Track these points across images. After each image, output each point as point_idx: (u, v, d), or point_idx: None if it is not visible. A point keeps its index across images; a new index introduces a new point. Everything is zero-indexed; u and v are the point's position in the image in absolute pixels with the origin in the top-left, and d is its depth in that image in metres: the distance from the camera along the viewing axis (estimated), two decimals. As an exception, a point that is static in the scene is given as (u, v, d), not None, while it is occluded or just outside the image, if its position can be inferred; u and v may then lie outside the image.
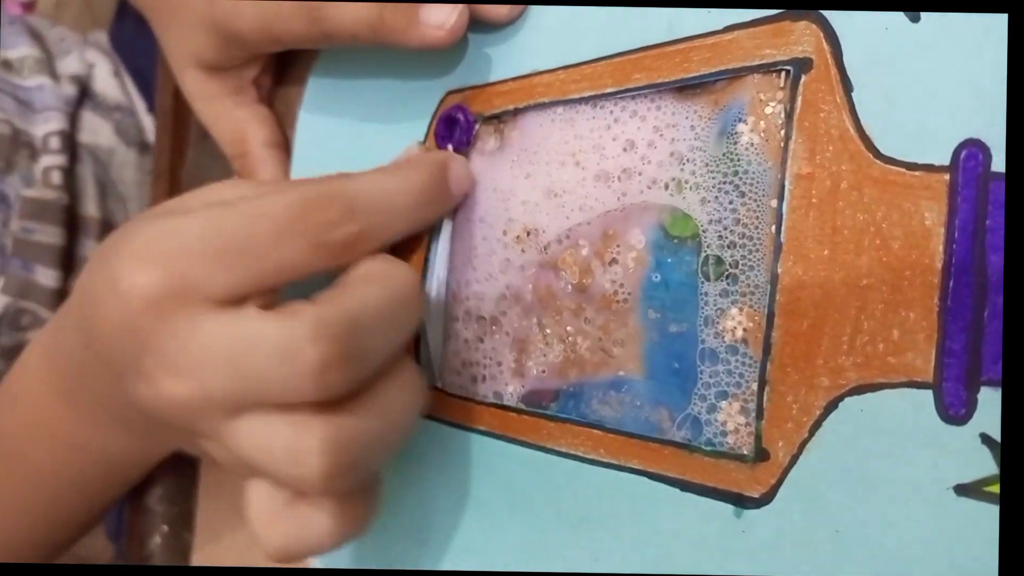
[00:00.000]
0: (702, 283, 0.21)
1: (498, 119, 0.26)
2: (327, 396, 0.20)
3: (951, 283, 0.17)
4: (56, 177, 0.47)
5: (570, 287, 0.24)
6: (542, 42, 0.25)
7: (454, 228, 0.27)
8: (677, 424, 0.21)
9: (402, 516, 0.27)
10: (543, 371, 0.24)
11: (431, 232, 0.27)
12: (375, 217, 0.23)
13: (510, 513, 0.24)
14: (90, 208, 0.50)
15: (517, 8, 0.26)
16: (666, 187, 0.22)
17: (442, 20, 0.25)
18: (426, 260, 0.27)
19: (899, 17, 0.18)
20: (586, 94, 0.24)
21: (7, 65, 0.50)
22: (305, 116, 0.32)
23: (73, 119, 0.50)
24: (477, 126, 0.26)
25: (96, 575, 0.41)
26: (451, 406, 0.26)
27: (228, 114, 0.33)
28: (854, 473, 0.18)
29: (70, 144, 0.49)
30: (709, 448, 0.20)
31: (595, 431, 0.22)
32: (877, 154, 0.18)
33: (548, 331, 0.24)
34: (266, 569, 0.36)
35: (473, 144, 0.27)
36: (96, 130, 0.51)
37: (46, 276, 0.48)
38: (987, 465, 0.16)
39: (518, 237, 0.25)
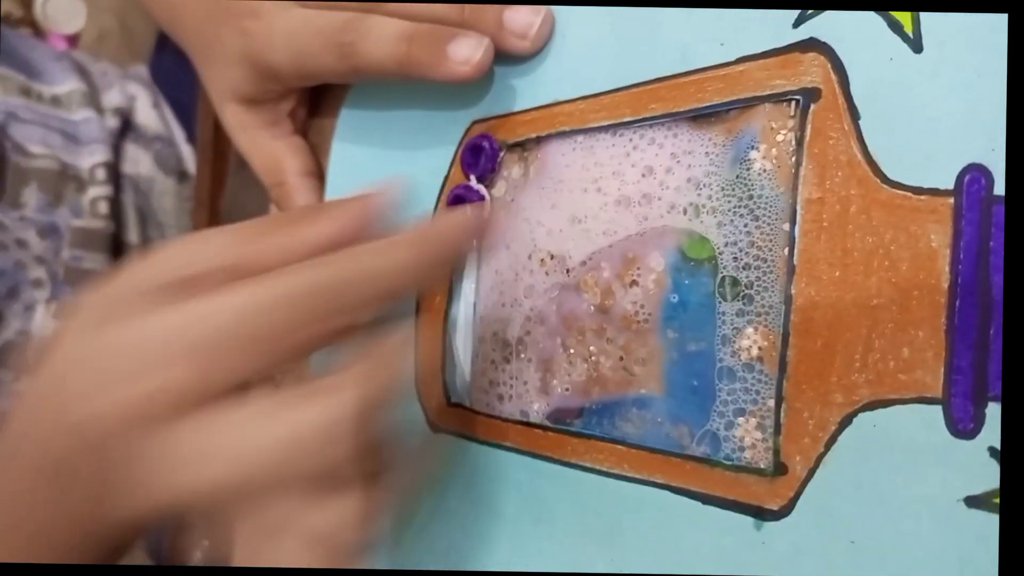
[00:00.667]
0: (719, 303, 0.21)
1: (522, 147, 0.27)
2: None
3: (957, 303, 0.18)
4: (103, 207, 0.49)
5: (592, 309, 0.25)
6: (563, 73, 0.26)
7: (481, 254, 0.28)
8: (696, 440, 0.22)
9: (430, 532, 0.28)
10: (567, 390, 0.25)
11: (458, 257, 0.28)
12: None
13: (536, 527, 0.25)
14: (132, 236, 0.52)
15: (539, 41, 0.27)
16: (684, 211, 0.23)
17: (468, 56, 0.26)
18: (451, 283, 0.29)
19: (903, 47, 0.19)
20: (605, 123, 0.25)
21: (56, 101, 0.52)
22: (338, 146, 0.33)
23: (117, 150, 0.52)
24: (502, 154, 0.28)
25: (96, 575, 0.42)
26: (478, 424, 0.27)
27: (265, 145, 0.34)
28: (868, 486, 0.18)
29: (115, 175, 0.51)
30: (728, 463, 0.21)
31: (619, 447, 0.23)
32: (884, 179, 0.19)
33: (572, 351, 0.25)
34: (266, 569, 0.37)
35: (498, 171, 0.28)
36: (137, 160, 0.54)
37: None
38: (996, 478, 0.17)
39: (542, 261, 0.26)
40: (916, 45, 0.19)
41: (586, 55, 0.26)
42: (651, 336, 0.23)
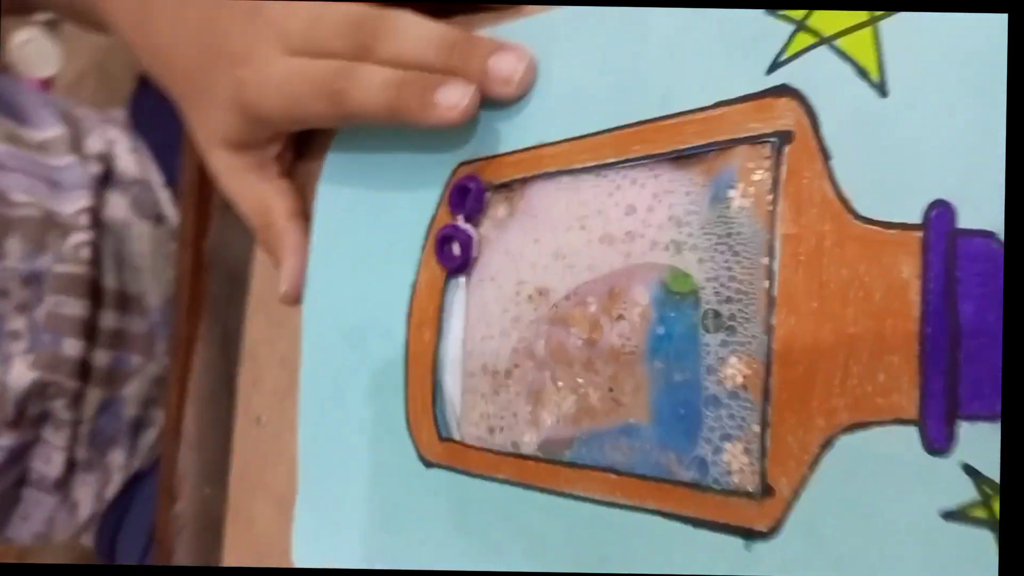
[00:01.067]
0: (703, 335, 0.22)
1: (508, 188, 0.28)
2: None
3: (928, 330, 0.19)
4: (85, 252, 0.50)
5: (580, 342, 0.26)
6: (547, 116, 0.27)
7: (468, 289, 0.29)
8: (685, 466, 0.23)
9: (423, 565, 0.28)
10: (557, 421, 0.26)
11: (444, 293, 0.29)
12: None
13: (528, 558, 0.26)
14: (110, 280, 0.52)
15: (523, 87, 0.28)
16: (666, 248, 0.24)
17: (455, 102, 0.27)
18: (440, 320, 0.29)
19: (869, 92, 0.20)
20: (589, 164, 0.26)
21: (42, 147, 0.53)
22: (325, 188, 0.34)
23: (98, 196, 0.53)
24: (488, 195, 0.29)
25: (96, 575, 0.42)
26: (470, 457, 0.28)
27: (253, 188, 0.35)
28: (851, 504, 0.19)
29: (96, 220, 0.51)
30: (716, 487, 0.22)
31: (609, 475, 0.24)
32: (856, 215, 0.20)
33: (560, 383, 0.26)
34: (265, 569, 0.37)
35: (484, 212, 0.29)
36: (115, 204, 0.54)
37: (72, 347, 0.49)
38: (970, 492, 0.18)
39: (530, 296, 0.27)
40: (881, 90, 0.20)
41: (569, 99, 0.27)
42: (638, 367, 0.24)
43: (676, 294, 0.23)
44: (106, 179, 0.54)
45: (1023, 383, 0.18)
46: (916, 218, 0.19)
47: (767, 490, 0.21)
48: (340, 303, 0.33)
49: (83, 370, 0.51)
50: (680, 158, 0.24)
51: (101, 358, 0.52)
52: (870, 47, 0.20)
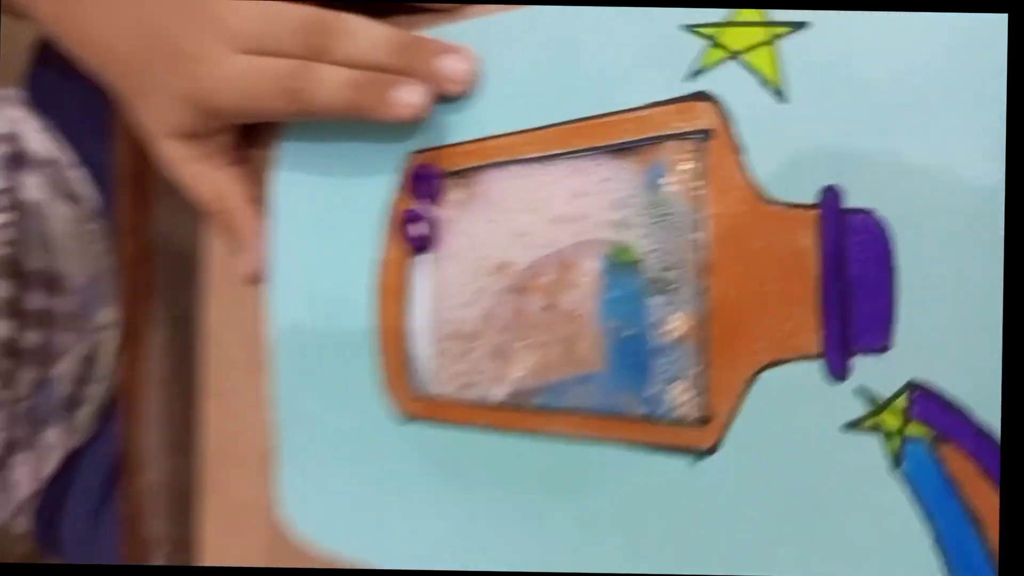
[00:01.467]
0: (647, 297, 0.27)
1: (462, 175, 0.32)
2: None
3: (825, 285, 0.25)
4: (5, 234, 0.49)
5: (539, 307, 0.30)
6: (493, 111, 0.31)
7: (433, 265, 0.33)
8: (638, 404, 0.28)
9: (410, 508, 0.33)
10: (522, 375, 0.31)
11: (407, 269, 0.33)
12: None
13: (507, 494, 0.30)
14: (33, 261, 0.52)
15: (469, 85, 0.31)
16: (610, 226, 0.28)
17: (410, 100, 0.31)
18: (405, 293, 0.33)
19: (771, 99, 0.25)
20: (538, 154, 0.30)
21: None
22: (280, 175, 0.37)
23: (11, 177, 0.52)
24: (445, 180, 0.32)
25: (95, 575, 0.44)
26: (445, 409, 0.32)
27: (207, 176, 0.37)
28: (773, 424, 0.25)
29: (14, 201, 0.51)
30: (666, 418, 0.27)
31: (574, 415, 0.29)
32: (765, 198, 0.25)
33: (523, 343, 0.31)
34: (266, 569, 0.41)
35: (443, 196, 0.33)
36: (31, 186, 0.53)
37: (2, 327, 0.50)
38: (861, 409, 0.24)
39: (491, 270, 0.31)
40: (782, 96, 0.25)
41: (512, 96, 0.31)
42: (592, 326, 0.29)
43: (621, 264, 0.28)
44: (16, 160, 0.53)
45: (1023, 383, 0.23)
46: (811, 199, 0.25)
47: (707, 418, 0.26)
48: (306, 283, 0.36)
49: (14, 350, 0.51)
50: (618, 150, 0.28)
51: (31, 338, 0.53)
52: (771, 61, 0.25)
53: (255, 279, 0.37)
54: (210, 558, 0.41)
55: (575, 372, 0.29)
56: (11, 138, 0.53)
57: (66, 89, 0.55)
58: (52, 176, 0.54)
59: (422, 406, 0.33)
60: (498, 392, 0.31)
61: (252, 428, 0.39)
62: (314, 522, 0.36)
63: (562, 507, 0.29)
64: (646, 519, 0.27)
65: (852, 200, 0.24)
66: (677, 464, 0.27)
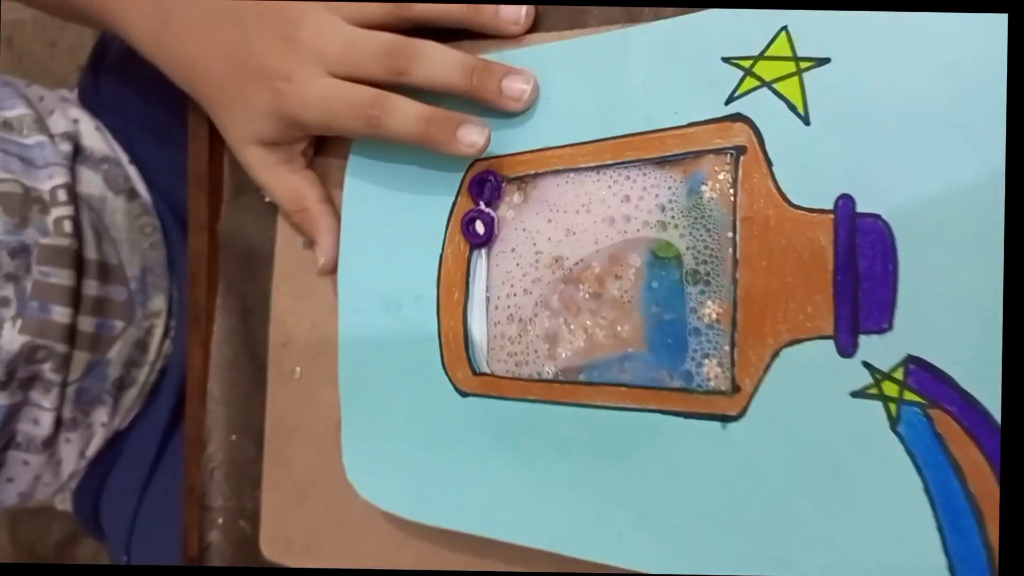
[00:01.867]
0: (686, 286, 0.32)
1: (520, 180, 0.37)
2: None
3: (838, 277, 0.29)
4: (67, 226, 0.53)
5: (588, 296, 0.35)
6: (549, 126, 0.36)
7: (491, 259, 0.38)
8: (675, 378, 0.33)
9: (471, 471, 0.37)
10: (570, 354, 0.35)
11: (469, 263, 0.38)
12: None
13: (559, 457, 0.35)
14: (91, 252, 0.56)
15: (530, 103, 0.36)
16: (654, 227, 0.33)
17: (474, 140, 0.36)
18: (467, 283, 0.38)
19: (797, 121, 0.30)
20: (591, 164, 0.35)
21: (7, 125, 0.55)
22: (351, 179, 0.41)
23: (73, 172, 0.56)
24: (504, 184, 0.37)
25: (95, 575, 0.47)
26: (503, 385, 0.37)
27: (286, 179, 0.42)
28: (792, 392, 0.30)
29: (73, 195, 0.55)
30: (700, 389, 0.32)
31: (620, 388, 0.34)
32: (790, 203, 0.30)
33: (572, 326, 0.35)
34: (267, 569, 0.45)
35: (502, 199, 0.37)
36: (89, 181, 0.57)
37: (60, 314, 0.54)
38: (867, 379, 0.29)
39: (547, 263, 0.36)
40: (806, 120, 0.30)
41: (566, 114, 0.36)
42: (635, 312, 0.34)
43: (663, 259, 0.33)
44: (76, 156, 0.57)
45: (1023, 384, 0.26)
46: (829, 205, 0.30)
47: (736, 388, 0.31)
48: (374, 275, 0.40)
49: (71, 335, 0.55)
50: (663, 162, 0.33)
51: (86, 324, 0.56)
52: (798, 90, 0.30)
53: (328, 270, 0.42)
54: (273, 525, 0.45)
55: (618, 352, 0.34)
56: (71, 136, 0.57)
57: (120, 92, 0.60)
58: (109, 172, 0.58)
59: (481, 383, 0.37)
60: (548, 369, 0.36)
61: (317, 407, 0.44)
62: (377, 488, 0.40)
63: (609, 470, 0.34)
64: (684, 477, 0.32)
65: (862, 206, 0.29)
66: (709, 428, 0.32)
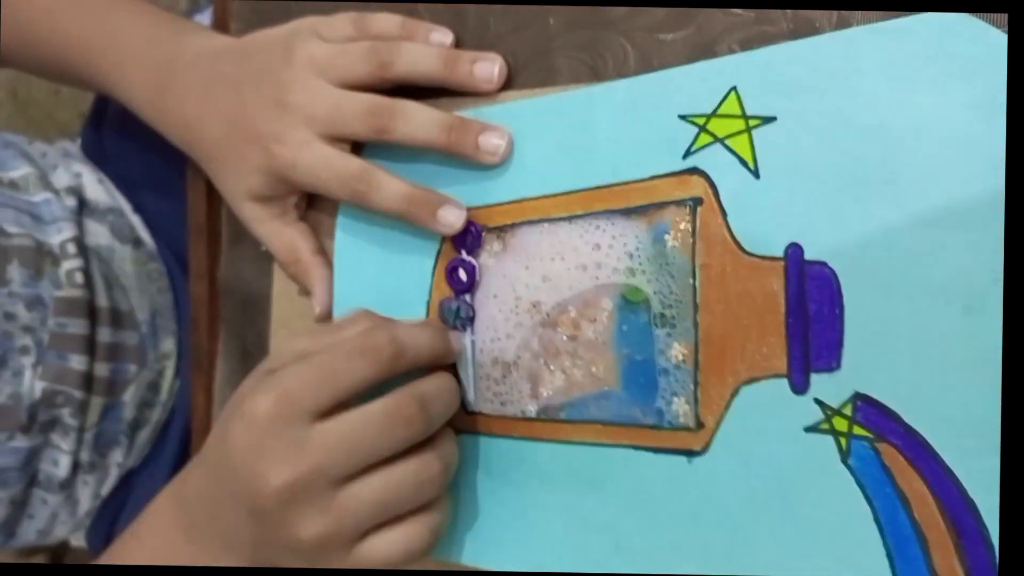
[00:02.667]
0: (654, 329, 0.35)
1: (499, 229, 0.39)
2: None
3: (790, 320, 0.32)
4: (79, 277, 0.55)
5: (565, 338, 0.37)
6: (524, 178, 0.38)
7: (474, 305, 0.40)
8: (647, 415, 0.35)
9: (459, 497, 0.39)
10: (551, 393, 0.38)
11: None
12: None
13: (541, 489, 0.37)
14: (102, 300, 0.58)
15: (504, 158, 0.39)
16: (623, 273, 0.36)
17: (452, 221, 0.38)
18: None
19: (748, 174, 0.33)
20: (563, 215, 0.37)
21: (14, 185, 0.58)
22: (341, 233, 0.44)
23: (80, 226, 0.58)
24: (484, 234, 0.40)
25: (95, 575, 0.49)
26: (487, 423, 0.39)
27: (279, 232, 0.44)
28: (751, 428, 0.32)
29: (82, 248, 0.57)
30: (668, 426, 0.34)
31: (595, 425, 0.36)
32: (744, 251, 0.33)
33: (552, 367, 0.38)
34: (267, 569, 0.47)
35: (482, 247, 0.40)
36: (96, 232, 0.59)
37: (78, 362, 0.56)
38: (819, 415, 0.31)
39: (526, 308, 0.38)
40: (756, 174, 0.33)
41: (539, 167, 0.38)
42: (609, 352, 0.36)
43: (632, 303, 0.35)
44: (81, 210, 0.59)
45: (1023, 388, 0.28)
46: (780, 253, 0.32)
47: (700, 424, 0.33)
48: (367, 318, 0.43)
49: (87, 381, 0.57)
50: (629, 212, 0.36)
51: (101, 370, 0.58)
52: (747, 146, 0.33)
53: (323, 318, 0.44)
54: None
55: (595, 390, 0.36)
56: (75, 190, 0.59)
57: (122, 144, 0.62)
58: (114, 223, 0.60)
59: (470, 420, 0.40)
60: (530, 408, 0.38)
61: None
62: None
63: (585, 501, 0.36)
64: (653, 507, 0.34)
65: (810, 253, 0.31)
66: (676, 461, 0.34)
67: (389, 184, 0.39)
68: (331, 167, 0.40)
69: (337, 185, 0.40)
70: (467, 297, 0.40)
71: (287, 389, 0.33)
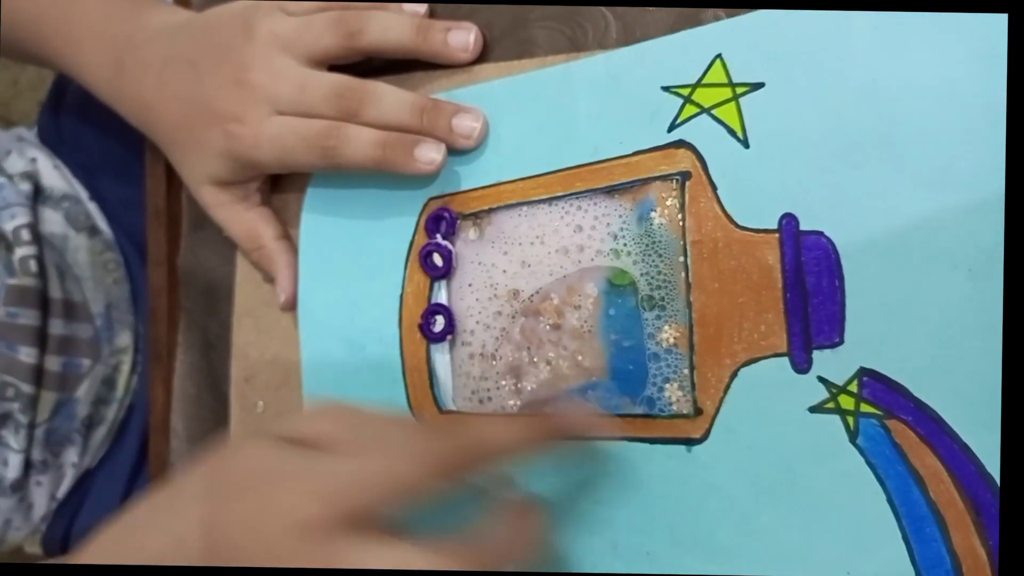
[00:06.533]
0: (642, 312, 0.33)
1: (475, 216, 0.37)
2: None
3: (788, 295, 0.30)
4: (32, 265, 0.53)
5: (548, 327, 0.35)
6: (501, 162, 0.37)
7: (450, 295, 0.38)
8: (637, 404, 0.33)
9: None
10: (535, 387, 0.36)
11: (429, 300, 0.38)
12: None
13: (529, 490, 0.35)
14: (55, 291, 0.55)
15: (479, 140, 0.37)
16: (607, 255, 0.34)
17: (432, 158, 0.36)
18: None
19: (737, 145, 0.31)
20: (543, 196, 0.35)
21: None
22: (308, 215, 0.41)
23: (34, 212, 0.55)
24: (459, 222, 0.38)
25: (94, 575, 0.46)
26: (468, 422, 0.37)
27: (240, 217, 0.42)
28: (751, 411, 0.30)
29: (36, 235, 0.54)
30: (663, 414, 0.32)
31: (584, 418, 0.34)
32: (736, 225, 0.31)
33: (536, 359, 0.36)
34: (267, 569, 0.44)
35: (457, 235, 0.38)
36: (50, 220, 0.57)
37: (27, 354, 0.53)
38: (823, 393, 0.29)
39: (505, 297, 0.36)
40: (745, 143, 0.31)
41: (517, 148, 0.36)
42: (595, 341, 0.34)
43: (618, 286, 0.33)
44: (36, 196, 0.57)
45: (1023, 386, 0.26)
46: (774, 225, 0.30)
47: (698, 411, 0.31)
48: (335, 314, 0.40)
49: (37, 375, 0.54)
50: (612, 191, 0.34)
51: (52, 363, 0.55)
52: (735, 115, 0.31)
53: (288, 307, 0.42)
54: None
55: (581, 381, 0.34)
56: (30, 176, 0.56)
57: (80, 129, 0.59)
58: (70, 210, 0.57)
59: (446, 421, 0.37)
60: (512, 404, 0.36)
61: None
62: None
63: (579, 501, 0.34)
64: (652, 503, 0.32)
65: (805, 224, 0.30)
66: (674, 451, 0.32)
67: (359, 133, 0.37)
68: (297, 131, 0.38)
69: (305, 149, 0.38)
70: (443, 288, 0.38)
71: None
